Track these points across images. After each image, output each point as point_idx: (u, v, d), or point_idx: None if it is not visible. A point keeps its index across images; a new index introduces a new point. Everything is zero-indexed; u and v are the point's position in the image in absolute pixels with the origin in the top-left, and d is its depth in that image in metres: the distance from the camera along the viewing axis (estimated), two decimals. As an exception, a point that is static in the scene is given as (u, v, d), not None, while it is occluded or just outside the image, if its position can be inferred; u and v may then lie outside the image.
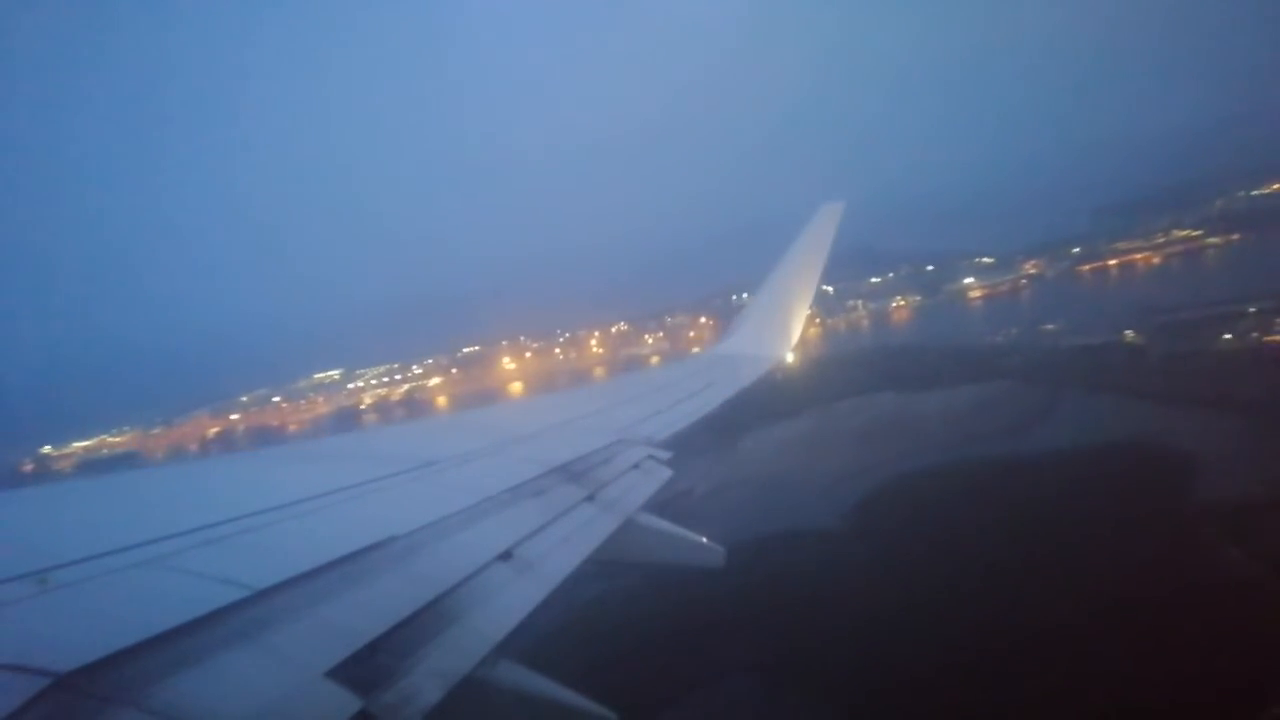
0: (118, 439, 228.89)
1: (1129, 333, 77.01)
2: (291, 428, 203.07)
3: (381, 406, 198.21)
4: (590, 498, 4.20)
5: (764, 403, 70.72)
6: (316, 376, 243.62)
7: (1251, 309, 71.98)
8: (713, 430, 61.80)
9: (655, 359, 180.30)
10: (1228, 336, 64.30)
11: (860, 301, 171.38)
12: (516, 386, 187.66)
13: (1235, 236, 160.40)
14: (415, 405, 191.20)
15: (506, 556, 3.16)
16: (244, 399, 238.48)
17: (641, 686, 27.48)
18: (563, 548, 3.48)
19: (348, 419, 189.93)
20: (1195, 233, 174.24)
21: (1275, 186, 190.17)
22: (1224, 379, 51.88)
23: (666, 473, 5.08)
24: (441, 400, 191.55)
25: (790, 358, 9.39)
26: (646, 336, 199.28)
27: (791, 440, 58.10)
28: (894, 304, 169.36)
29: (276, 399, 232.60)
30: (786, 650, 28.09)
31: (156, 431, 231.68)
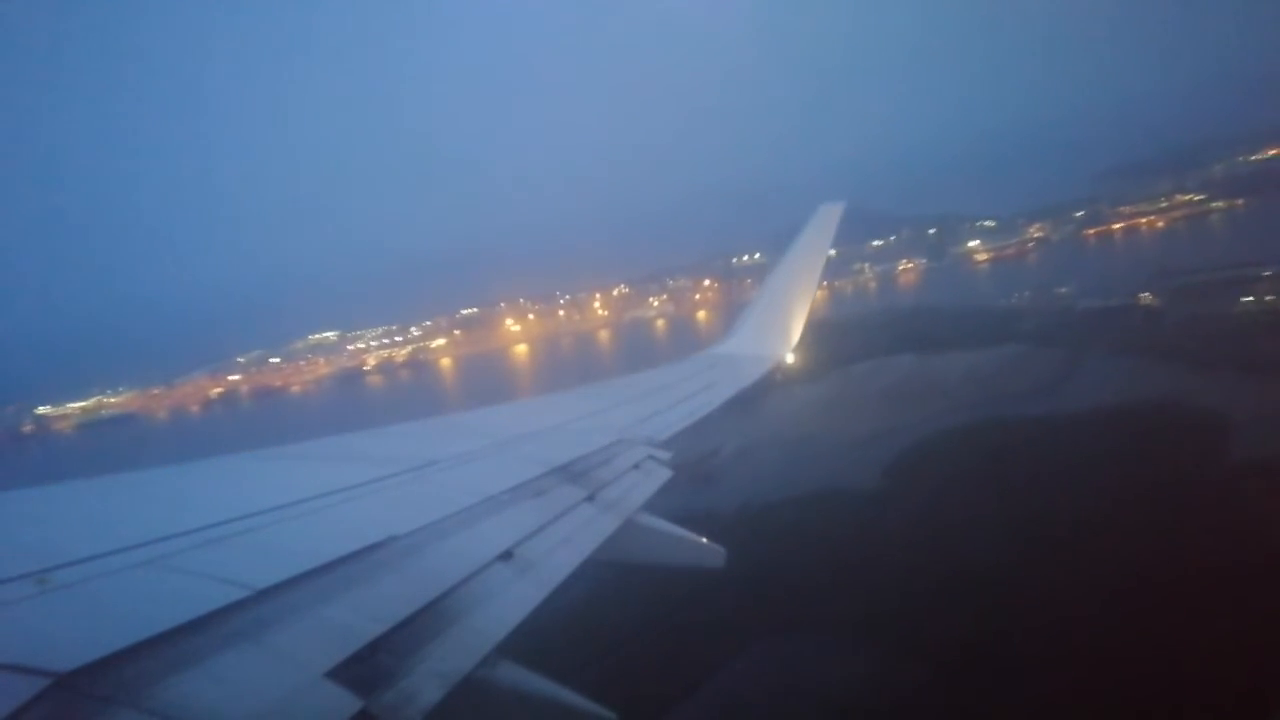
0: (116, 400, 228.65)
1: (1144, 296, 77.28)
2: (294, 389, 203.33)
3: (386, 368, 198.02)
4: (590, 498, 4.21)
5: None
6: (312, 337, 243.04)
7: (1266, 273, 72.31)
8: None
9: (660, 322, 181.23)
10: (1247, 299, 64.53)
11: (866, 265, 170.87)
12: (522, 349, 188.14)
13: (1239, 201, 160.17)
14: (420, 366, 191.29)
15: (507, 557, 3.18)
16: (241, 360, 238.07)
17: (705, 644, 28.12)
18: (563, 548, 3.49)
19: (353, 379, 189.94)
20: (1198, 197, 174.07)
21: (1272, 152, 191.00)
22: (1247, 341, 52.19)
23: (667, 473, 5.07)
24: (446, 362, 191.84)
25: (791, 358, 9.43)
26: (651, 299, 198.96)
27: (815, 401, 58.24)
28: (900, 268, 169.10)
29: (275, 360, 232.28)
30: (846, 609, 28.47)
31: (155, 392, 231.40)
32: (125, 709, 1.73)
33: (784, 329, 10.62)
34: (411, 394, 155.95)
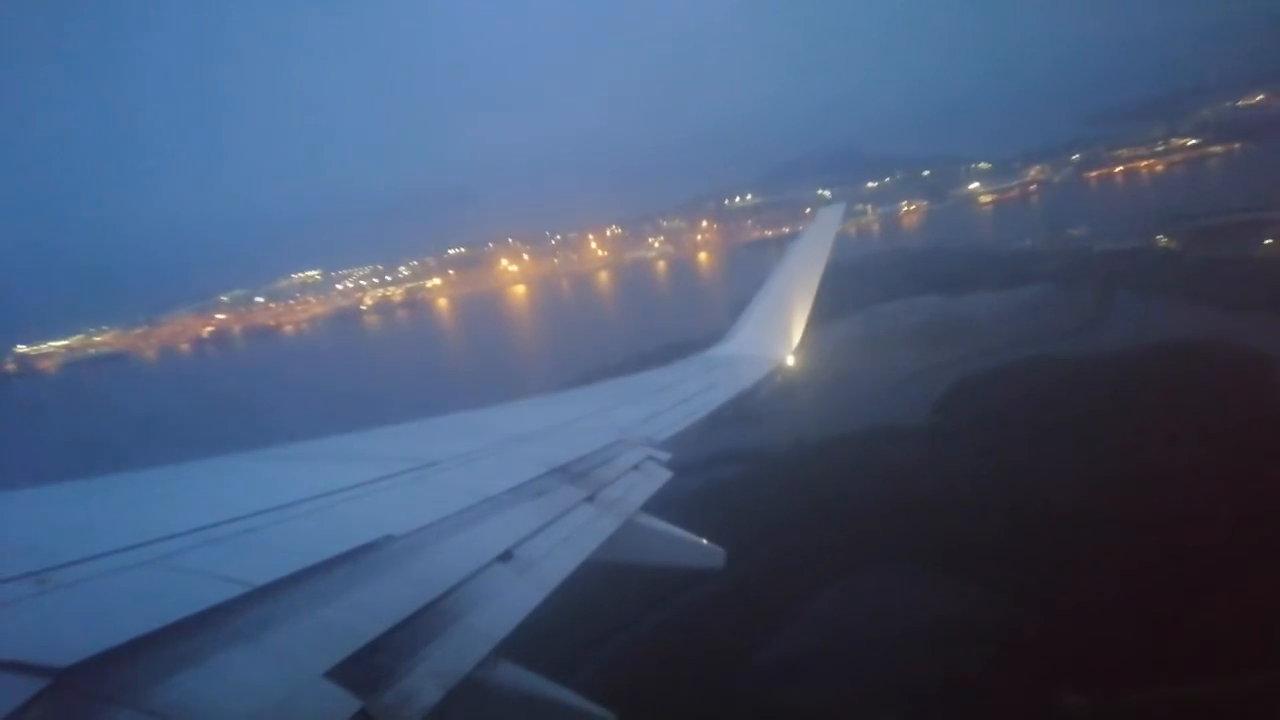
0: (100, 339, 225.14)
1: (1160, 238, 77.86)
2: (288, 328, 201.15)
3: (383, 308, 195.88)
4: (590, 498, 4.22)
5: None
6: (296, 276, 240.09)
7: (1280, 215, 73.20)
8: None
9: (661, 263, 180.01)
10: (1269, 242, 65.33)
11: (869, 206, 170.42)
12: (520, 289, 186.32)
13: (1236, 146, 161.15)
14: (417, 306, 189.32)
15: (507, 557, 3.19)
16: (224, 298, 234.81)
17: (798, 564, 28.68)
18: (563, 548, 3.48)
19: (350, 319, 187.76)
20: (1192, 141, 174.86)
21: (1260, 97, 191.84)
22: (1275, 283, 53.06)
23: (666, 474, 5.02)
24: (443, 302, 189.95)
25: (792, 360, 9.55)
26: (650, 240, 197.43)
27: (845, 341, 58.15)
28: (903, 209, 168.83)
29: (260, 299, 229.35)
30: (924, 543, 28.98)
31: (139, 331, 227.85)
32: (125, 708, 1.76)
33: (785, 330, 10.62)
34: (415, 334, 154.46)
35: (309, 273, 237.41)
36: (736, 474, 37.43)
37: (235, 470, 4.40)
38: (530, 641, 2.74)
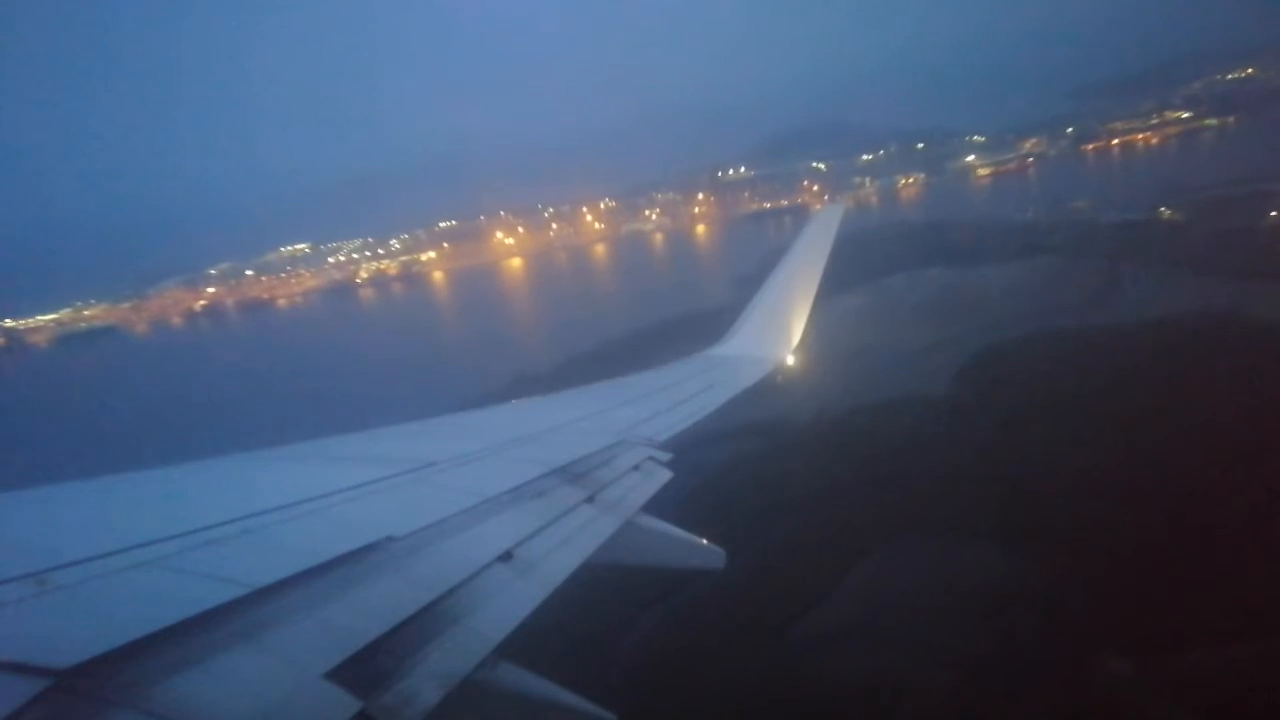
0: (90, 312, 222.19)
1: (1164, 210, 78.02)
2: (281, 301, 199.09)
3: (379, 281, 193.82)
4: (590, 499, 4.21)
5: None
6: (285, 249, 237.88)
7: (1286, 187, 73.43)
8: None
9: (659, 236, 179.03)
10: (1274, 214, 65.58)
11: (866, 179, 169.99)
12: (516, 262, 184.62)
13: (1231, 119, 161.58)
14: (413, 280, 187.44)
15: (506, 558, 3.20)
16: (213, 271, 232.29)
17: (831, 535, 28.83)
18: (563, 549, 3.49)
19: (345, 293, 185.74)
20: (1185, 114, 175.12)
21: (1249, 70, 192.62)
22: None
23: (667, 474, 4.98)
24: (439, 276, 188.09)
25: (791, 360, 9.56)
26: (646, 213, 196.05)
27: (856, 314, 58.05)
28: (901, 182, 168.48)
29: (250, 272, 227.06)
30: (949, 511, 29.20)
31: (128, 305, 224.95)
32: (125, 709, 1.75)
33: (784, 331, 10.59)
34: (413, 308, 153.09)
35: (298, 245, 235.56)
36: (761, 446, 37.44)
37: (235, 470, 4.41)
38: (530, 642, 2.75)
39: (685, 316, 69.16)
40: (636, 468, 5.03)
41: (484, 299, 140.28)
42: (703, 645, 24.67)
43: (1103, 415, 33.50)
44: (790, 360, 9.71)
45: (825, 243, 12.82)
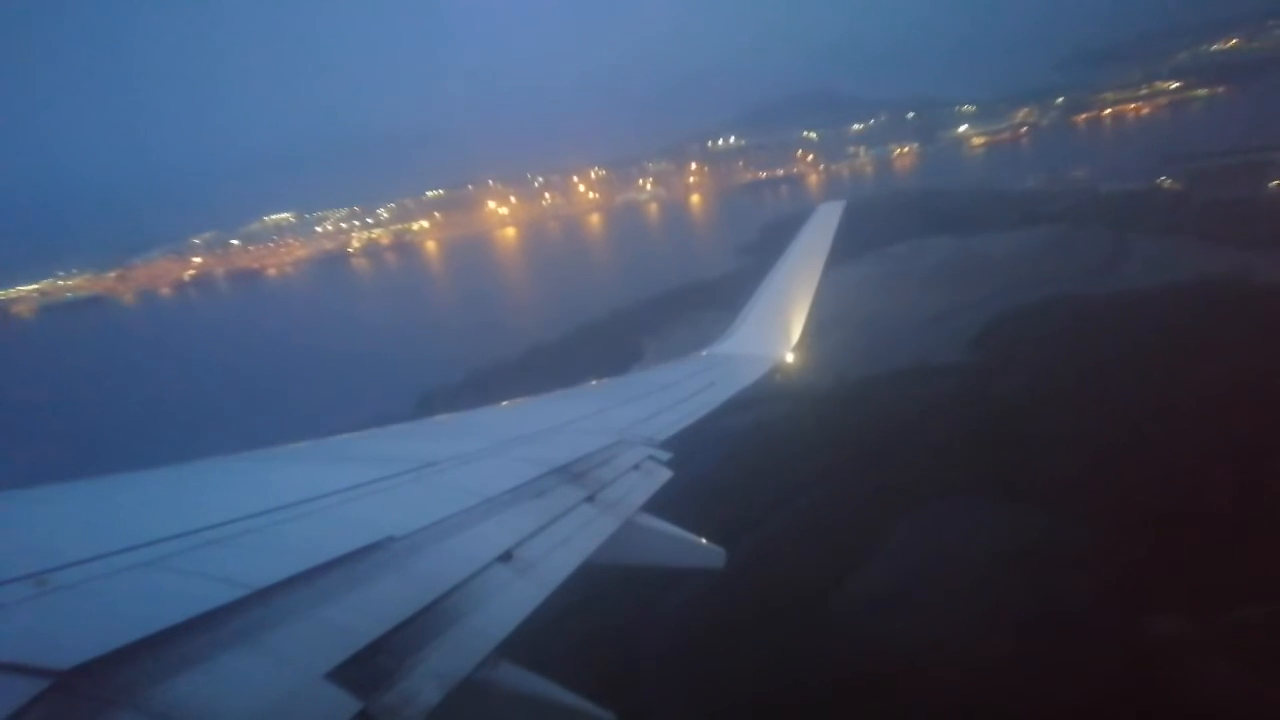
0: (71, 282, 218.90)
1: (1163, 179, 78.38)
2: (271, 271, 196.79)
3: (372, 250, 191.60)
4: (590, 498, 4.24)
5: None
6: (269, 219, 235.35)
7: (1282, 158, 73.90)
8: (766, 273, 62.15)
9: (653, 206, 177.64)
10: (1275, 183, 66.04)
11: (861, 148, 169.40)
12: (510, 232, 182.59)
13: (1220, 89, 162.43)
14: (407, 249, 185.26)
15: (506, 557, 3.21)
16: (197, 241, 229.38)
17: (869, 498, 28.85)
18: (563, 548, 3.51)
19: (337, 262, 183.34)
20: (1174, 84, 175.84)
21: (1234, 41, 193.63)
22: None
23: (667, 473, 5.01)
24: (432, 245, 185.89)
25: (791, 358, 9.57)
26: (640, 182, 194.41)
27: (864, 282, 58.06)
28: (896, 151, 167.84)
29: (235, 241, 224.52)
30: (984, 473, 29.26)
31: (112, 275, 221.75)
32: (125, 710, 1.76)
33: (784, 329, 10.54)
34: (411, 278, 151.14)
35: (282, 215, 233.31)
36: (783, 411, 37.32)
37: (236, 470, 4.38)
38: (530, 641, 2.74)
39: (692, 286, 69.19)
40: (636, 467, 5.05)
41: (487, 268, 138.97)
42: (744, 610, 24.69)
43: (1131, 377, 33.64)
44: (790, 358, 9.67)
45: (825, 240, 12.82)
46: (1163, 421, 29.66)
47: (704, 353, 9.79)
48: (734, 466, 30.56)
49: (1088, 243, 60.28)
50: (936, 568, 25.19)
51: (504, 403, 7.94)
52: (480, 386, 52.44)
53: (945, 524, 27.56)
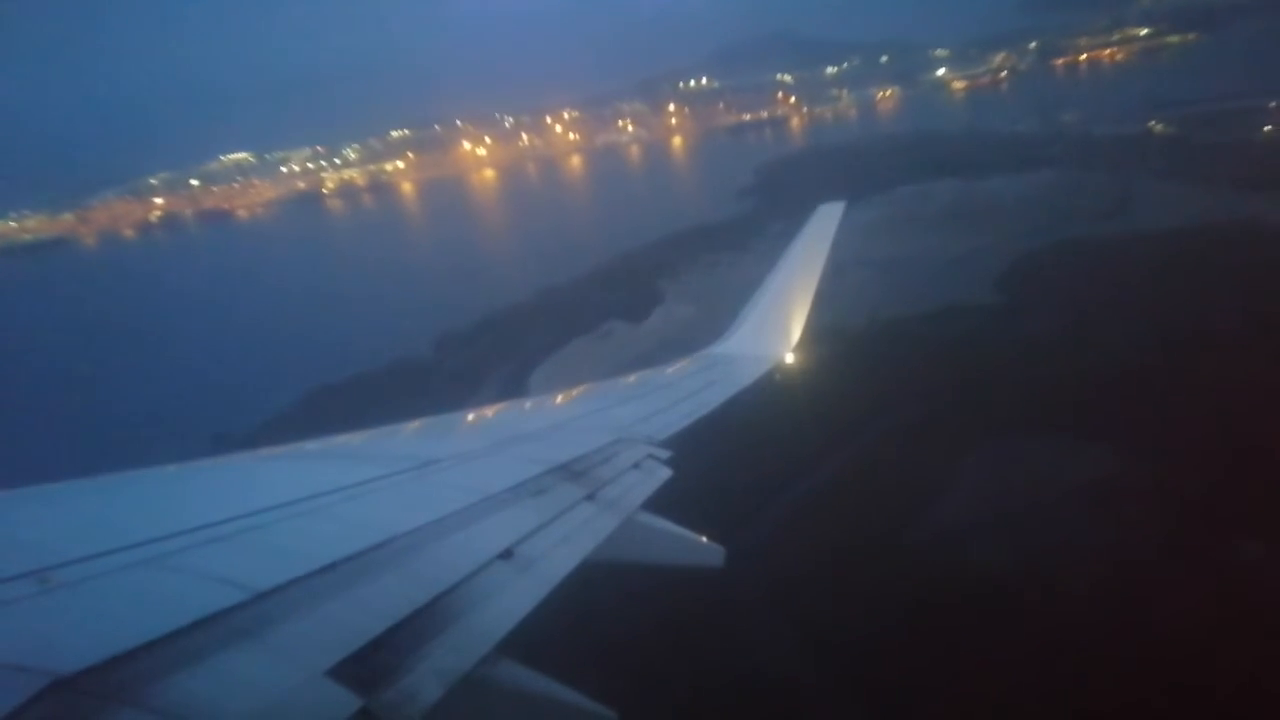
0: (29, 224, 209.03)
1: (1155, 124, 78.94)
2: (240, 212, 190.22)
3: (347, 191, 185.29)
4: (590, 496, 4.23)
5: (813, 189, 70.59)
6: (225, 158, 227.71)
7: (1272, 103, 74.71)
8: (780, 217, 61.40)
9: (634, 148, 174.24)
10: (1268, 128, 66.77)
11: (843, 91, 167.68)
12: (489, 174, 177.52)
13: (1191, 36, 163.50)
14: (382, 190, 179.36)
15: (507, 555, 3.20)
16: (153, 181, 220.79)
17: (924, 437, 28.80)
18: (563, 547, 3.50)
19: (310, 203, 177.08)
20: (1143, 31, 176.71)
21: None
22: (1280, 164, 54.47)
23: (666, 472, 5.01)
24: (408, 187, 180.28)
25: (790, 358, 9.42)
26: (620, 123, 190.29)
27: (874, 224, 57.49)
28: (878, 94, 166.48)
29: (194, 182, 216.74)
30: (1033, 410, 29.32)
31: (69, 216, 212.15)
32: (125, 708, 1.76)
33: (784, 329, 10.42)
34: (400, 219, 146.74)
35: (240, 154, 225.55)
36: (823, 354, 36.80)
37: (236, 469, 4.43)
38: (530, 640, 2.71)
39: (700, 229, 68.00)
40: (636, 466, 5.06)
41: (480, 210, 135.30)
42: (822, 546, 24.60)
43: (1171, 315, 33.78)
44: (790, 358, 9.55)
45: (825, 240, 12.73)
46: (1208, 357, 29.97)
47: (704, 352, 9.75)
48: (784, 405, 30.31)
49: (1093, 186, 60.32)
50: (1006, 502, 25.36)
51: (504, 403, 8.11)
52: (498, 328, 51.54)
53: (1008, 460, 27.69)
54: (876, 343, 38.22)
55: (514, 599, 2.85)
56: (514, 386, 43.01)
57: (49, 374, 61.79)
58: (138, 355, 63.78)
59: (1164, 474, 24.81)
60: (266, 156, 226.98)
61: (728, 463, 24.36)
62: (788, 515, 26.60)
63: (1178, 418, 26.78)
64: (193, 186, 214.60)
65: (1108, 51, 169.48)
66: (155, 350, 64.49)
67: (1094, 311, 36.29)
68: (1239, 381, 27.77)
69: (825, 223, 13.28)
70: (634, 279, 56.47)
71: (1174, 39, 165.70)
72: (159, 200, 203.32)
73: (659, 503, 4.51)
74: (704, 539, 4.73)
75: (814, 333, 33.24)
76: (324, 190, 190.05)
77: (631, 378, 8.58)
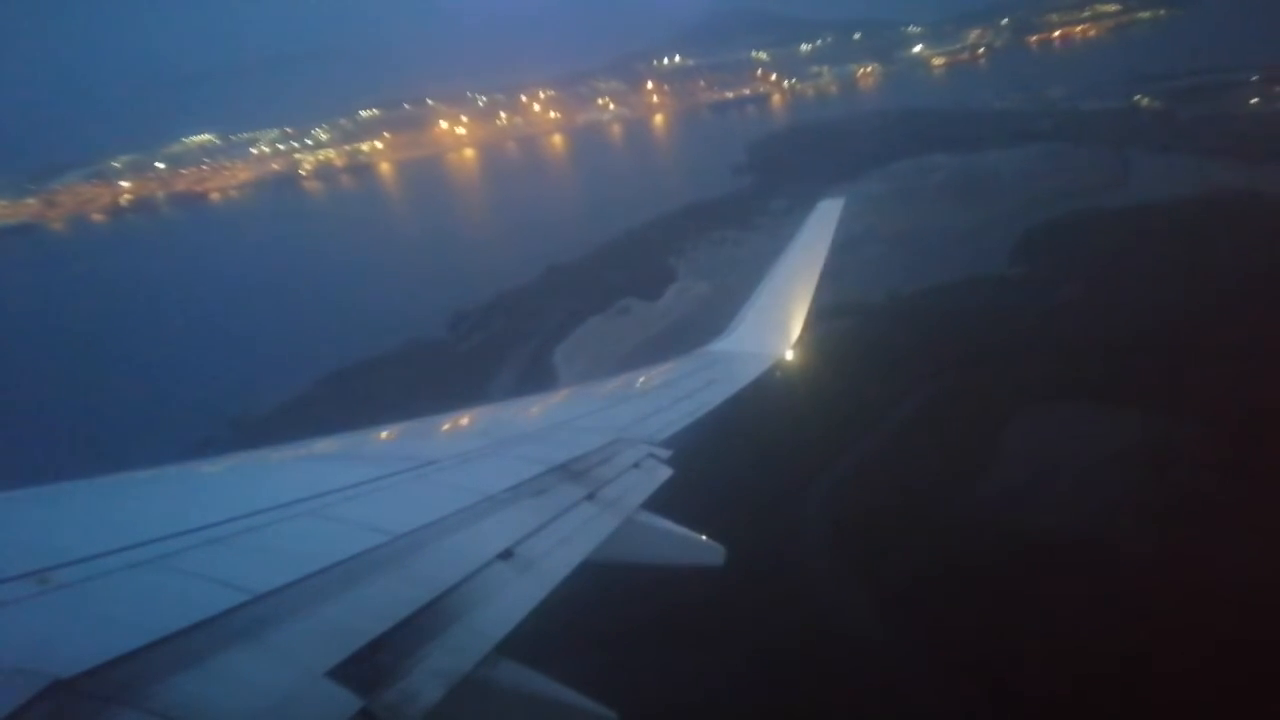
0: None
1: (1140, 98, 79.82)
2: (214, 195, 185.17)
3: (325, 173, 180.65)
4: (590, 496, 4.26)
5: (810, 165, 70.25)
6: (188, 140, 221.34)
7: (1253, 77, 76.04)
8: (781, 194, 61.01)
9: (617, 126, 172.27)
10: (1255, 101, 67.94)
11: (825, 68, 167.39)
12: (469, 153, 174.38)
13: (1162, 11, 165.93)
14: (362, 171, 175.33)
15: (507, 555, 3.22)
16: (116, 164, 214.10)
17: (966, 405, 29.06)
18: (563, 547, 3.52)
19: (288, 185, 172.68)
20: (1115, 7, 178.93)
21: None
22: (1275, 137, 55.59)
23: (666, 471, 5.04)
24: (386, 167, 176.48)
25: (790, 355, 9.74)
26: (601, 101, 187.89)
27: (874, 200, 57.03)
28: (859, 71, 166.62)
29: (159, 164, 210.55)
30: (1066, 378, 29.69)
31: (32, 201, 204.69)
32: (126, 708, 1.76)
33: (783, 327, 10.27)
34: (390, 200, 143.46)
35: (205, 136, 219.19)
36: (851, 326, 36.88)
37: (235, 470, 4.43)
38: (530, 640, 2.72)
39: (699, 206, 67.16)
40: (636, 465, 5.01)
41: (473, 190, 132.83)
42: (883, 507, 24.79)
43: (1172, 282, 34.52)
44: (790, 356, 9.43)
45: (825, 238, 12.61)
46: (1232, 323, 30.59)
47: (704, 350, 9.59)
48: (823, 377, 30.43)
49: (1089, 160, 60.96)
50: (1054, 466, 25.69)
51: (504, 403, 8.27)
52: (511, 308, 50.68)
53: (1050, 425, 28.02)
54: (900, 316, 38.32)
55: (514, 599, 2.85)
56: (536, 367, 42.53)
57: (62, 362, 59.93)
58: (148, 341, 62.01)
59: (1202, 438, 25.48)
60: (232, 138, 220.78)
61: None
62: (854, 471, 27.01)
63: (1209, 385, 27.37)
64: (159, 169, 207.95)
65: (1079, 28, 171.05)
66: (165, 336, 62.74)
67: (1113, 280, 36.67)
68: (1255, 346, 28.53)
69: (825, 219, 13.19)
70: (643, 256, 55.91)
71: (1144, 15, 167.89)
72: (125, 184, 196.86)
73: (659, 502, 4.48)
74: (704, 538, 4.64)
75: (838, 307, 32.98)
76: (301, 172, 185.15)
77: (631, 377, 8.45)
